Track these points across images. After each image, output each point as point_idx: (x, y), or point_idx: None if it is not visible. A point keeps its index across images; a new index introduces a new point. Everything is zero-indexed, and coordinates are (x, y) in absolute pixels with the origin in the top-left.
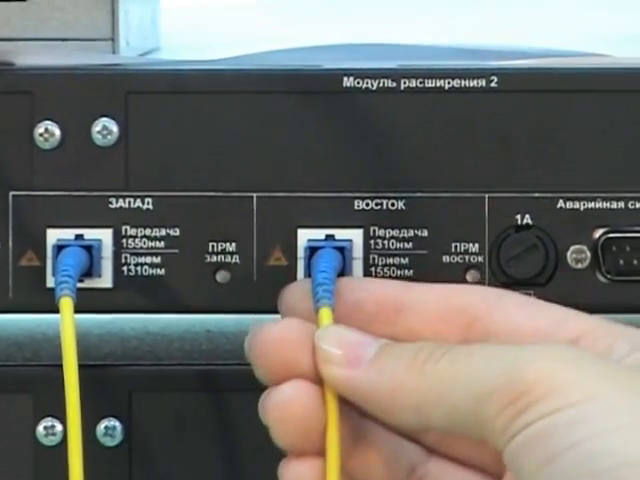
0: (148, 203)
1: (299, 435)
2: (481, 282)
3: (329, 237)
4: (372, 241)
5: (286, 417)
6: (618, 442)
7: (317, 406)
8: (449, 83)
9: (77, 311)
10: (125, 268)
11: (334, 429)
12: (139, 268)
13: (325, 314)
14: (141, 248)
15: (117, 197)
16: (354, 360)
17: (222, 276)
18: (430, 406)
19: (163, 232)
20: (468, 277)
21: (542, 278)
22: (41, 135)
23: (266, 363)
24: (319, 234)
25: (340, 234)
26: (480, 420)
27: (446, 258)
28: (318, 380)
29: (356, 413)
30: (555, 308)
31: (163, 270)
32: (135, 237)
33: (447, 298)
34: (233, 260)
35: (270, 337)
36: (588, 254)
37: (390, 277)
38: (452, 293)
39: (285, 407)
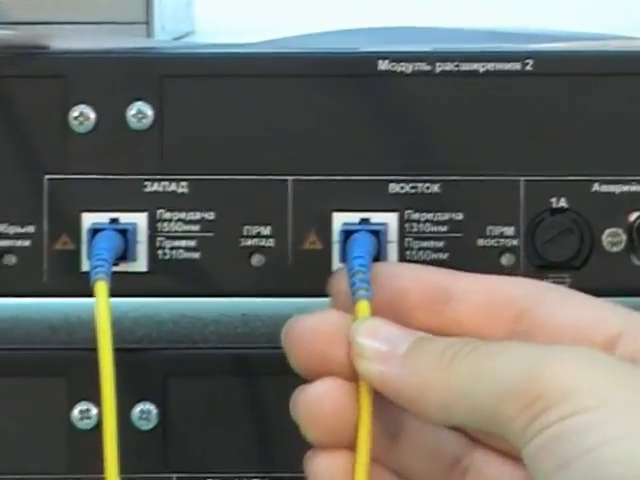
0: (183, 187)
1: (329, 432)
2: (516, 265)
3: (364, 221)
4: (407, 224)
5: (316, 416)
6: (630, 450)
7: (349, 404)
8: (484, 66)
9: (112, 295)
10: (160, 252)
11: (367, 425)
12: (174, 252)
13: (362, 307)
14: (176, 232)
15: (152, 181)
16: (387, 355)
17: (257, 260)
18: (454, 403)
19: (198, 216)
20: (503, 260)
21: (577, 261)
22: (76, 119)
23: (300, 354)
24: (354, 218)
25: (375, 218)
26: (501, 420)
27: (481, 241)
28: (352, 373)
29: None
30: (598, 304)
31: (198, 254)
32: (170, 221)
33: (495, 290)
34: (268, 244)
35: (305, 328)
36: (623, 237)
37: (425, 261)
38: (499, 285)
39: (315, 407)
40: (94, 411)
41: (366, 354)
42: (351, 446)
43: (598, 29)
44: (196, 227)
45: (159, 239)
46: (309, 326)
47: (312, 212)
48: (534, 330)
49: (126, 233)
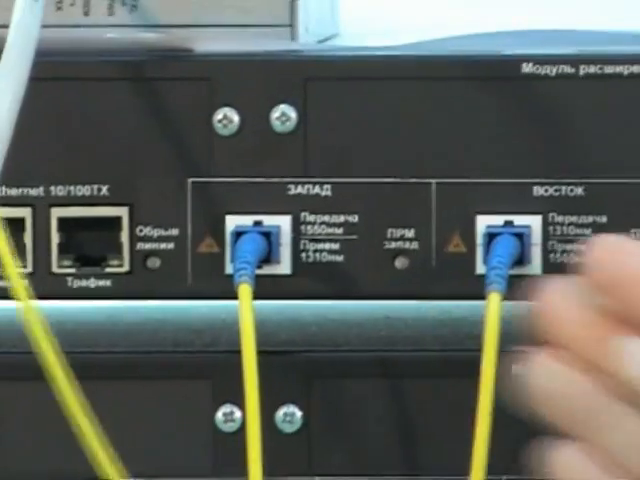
0: (327, 189)
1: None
2: None
3: (508, 223)
4: (551, 227)
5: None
6: None
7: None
8: (628, 69)
9: (256, 297)
10: (304, 254)
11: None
12: (318, 254)
13: (494, 298)
14: (320, 234)
15: (296, 183)
16: None
17: (401, 262)
18: None
19: (342, 218)
20: None
21: None
22: (220, 121)
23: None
24: (498, 220)
25: (519, 220)
26: None
27: None
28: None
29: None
30: None
31: (342, 256)
32: (314, 223)
33: None
34: (412, 246)
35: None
36: None
37: (569, 263)
38: None
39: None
40: (238, 414)
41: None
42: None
43: None
44: (340, 230)
45: (303, 242)
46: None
47: (456, 215)
48: None
49: (270, 236)
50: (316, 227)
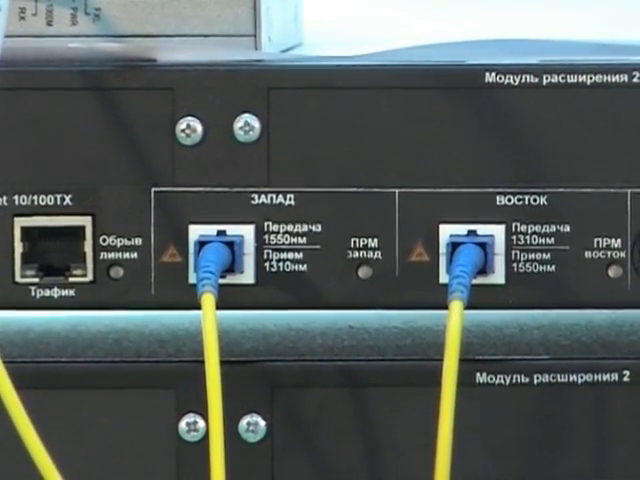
0: (290, 199)
1: None
2: (623, 278)
3: (471, 233)
4: (514, 237)
5: None
6: None
7: None
8: (591, 79)
9: (219, 307)
10: (267, 264)
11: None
12: (281, 264)
13: (456, 306)
14: (283, 244)
15: (259, 193)
16: None
17: (364, 272)
18: None
19: (305, 228)
20: (610, 273)
21: None
22: (183, 131)
23: None
24: (461, 230)
25: (482, 230)
26: None
27: (588, 253)
28: None
29: None
30: None
31: (305, 266)
32: (277, 233)
33: None
34: (375, 256)
35: None
36: None
37: (532, 273)
38: None
39: None
40: (201, 423)
41: None
42: None
43: None
44: (303, 239)
45: (266, 251)
46: None
47: (419, 224)
48: None
49: (233, 245)
50: (279, 237)
